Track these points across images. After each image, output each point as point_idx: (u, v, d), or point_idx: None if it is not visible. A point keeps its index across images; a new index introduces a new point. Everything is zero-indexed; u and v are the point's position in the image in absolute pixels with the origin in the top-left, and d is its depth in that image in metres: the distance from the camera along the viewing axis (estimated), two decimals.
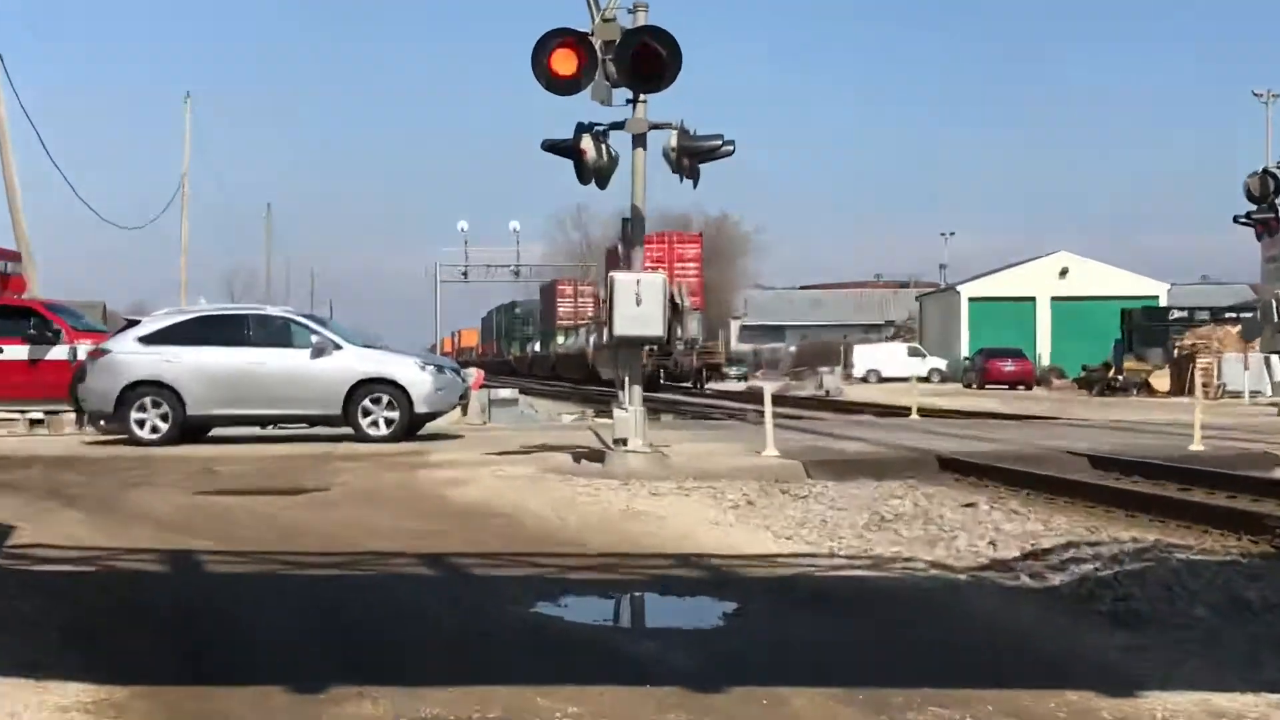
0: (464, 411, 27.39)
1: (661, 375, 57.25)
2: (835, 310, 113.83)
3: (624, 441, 15.82)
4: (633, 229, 16.23)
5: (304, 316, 21.62)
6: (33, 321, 21.34)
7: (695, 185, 16.41)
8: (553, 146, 16.06)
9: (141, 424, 20.12)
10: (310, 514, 12.23)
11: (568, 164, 15.97)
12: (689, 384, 58.51)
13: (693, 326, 16.51)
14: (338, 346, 20.34)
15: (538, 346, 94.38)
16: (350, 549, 10.21)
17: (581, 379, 66.78)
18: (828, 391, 55.31)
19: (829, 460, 16.71)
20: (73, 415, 27.83)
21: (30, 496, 13.23)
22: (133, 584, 8.84)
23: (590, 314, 77.01)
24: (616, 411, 16.09)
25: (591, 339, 70.00)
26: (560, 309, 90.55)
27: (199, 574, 9.37)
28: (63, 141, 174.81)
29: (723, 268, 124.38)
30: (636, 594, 8.77)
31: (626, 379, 16.21)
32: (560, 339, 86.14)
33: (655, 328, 15.80)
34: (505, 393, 31.20)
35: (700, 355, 58.25)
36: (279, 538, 10.85)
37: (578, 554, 10.03)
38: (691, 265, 60.58)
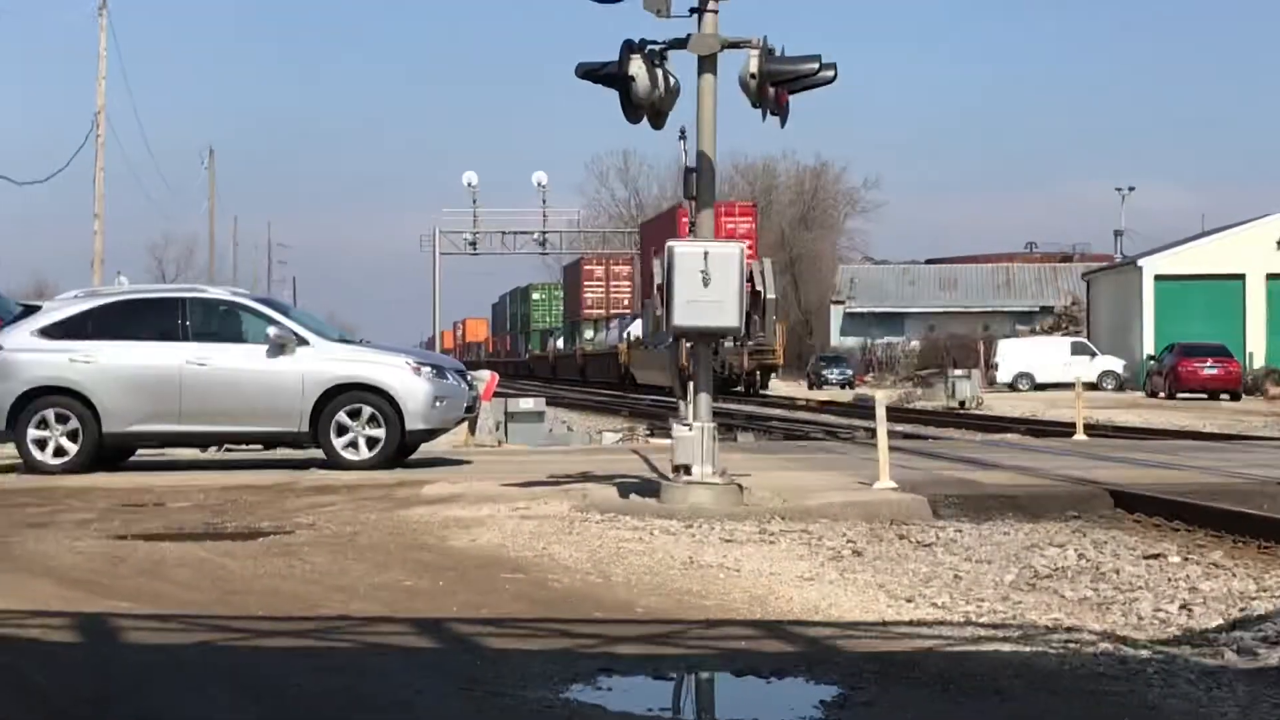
0: (472, 429, 27.51)
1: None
2: (972, 292, 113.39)
3: (687, 469, 15.78)
4: (699, 183, 16.18)
5: (258, 301, 21.72)
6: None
7: (784, 123, 16.32)
8: (591, 72, 16.04)
9: (42, 445, 20.27)
10: (266, 565, 12.25)
11: (611, 96, 15.93)
12: (739, 389, 60.95)
13: (771, 318, 16.44)
14: (303, 341, 20.41)
15: (561, 343, 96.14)
16: (318, 612, 10.20)
17: (615, 384, 69.55)
18: (962, 402, 55.13)
19: (964, 495, 16.61)
20: None
21: None
22: (29, 658, 8.87)
23: (631, 300, 79.52)
24: (676, 429, 16.05)
25: (627, 333, 71.71)
26: (587, 295, 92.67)
27: (116, 646, 9.39)
28: None
29: (819, 235, 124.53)
30: (703, 675, 8.72)
31: (690, 385, 16.15)
32: (588, 334, 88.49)
33: (728, 316, 15.73)
34: (528, 403, 31.25)
35: (753, 354, 60.31)
36: (222, 597, 10.86)
37: (624, 620, 9.97)
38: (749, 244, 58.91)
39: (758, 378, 64.08)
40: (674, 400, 17.03)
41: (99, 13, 62.96)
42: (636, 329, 70.63)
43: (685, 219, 65.16)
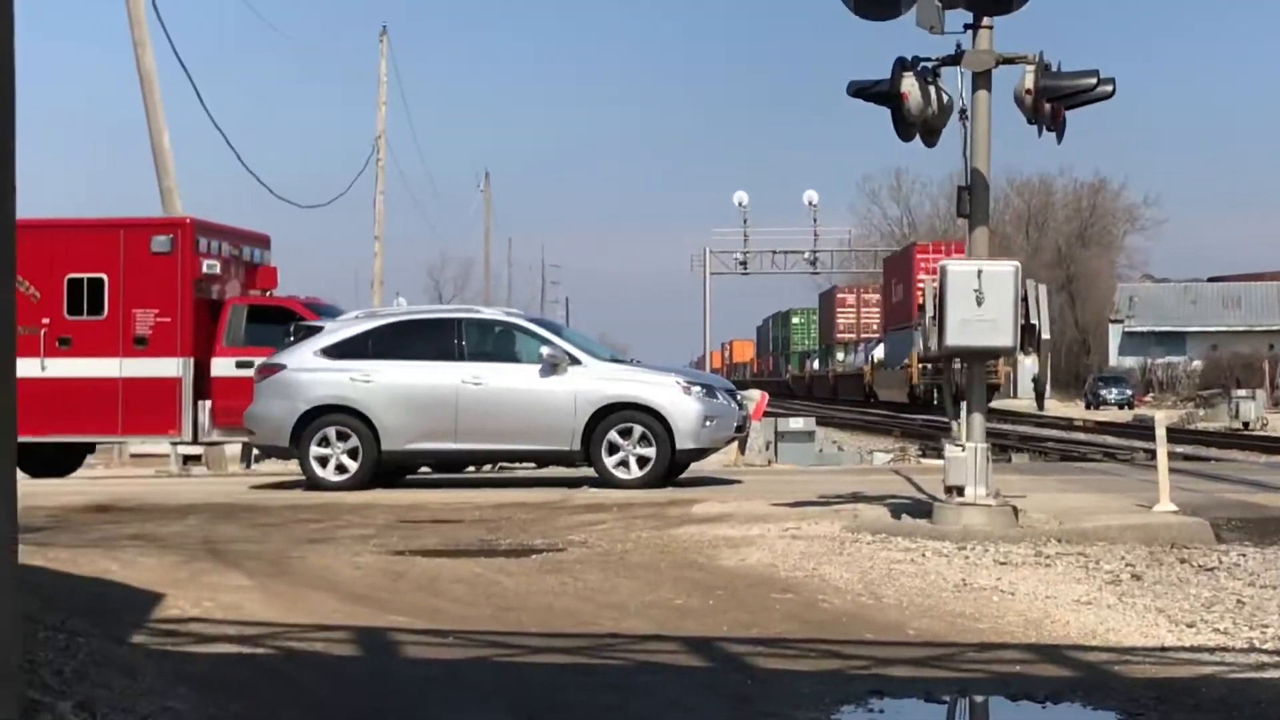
0: (742, 449, 27.55)
1: (936, 396, 59.08)
2: (1258, 311, 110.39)
3: (959, 490, 15.63)
4: (972, 200, 16.03)
5: (531, 321, 22.02)
6: (292, 326, 22.40)
7: (1060, 138, 16.10)
8: (863, 90, 15.98)
9: (324, 462, 20.77)
10: (539, 582, 12.42)
11: (883, 114, 15.86)
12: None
13: (1045, 328, 16.20)
14: (575, 361, 20.64)
15: (816, 364, 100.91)
16: (589, 629, 10.32)
17: (861, 401, 74.34)
18: (1246, 423, 53.80)
19: (1248, 519, 16.20)
20: (237, 450, 29.02)
21: (184, 555, 13.78)
22: (313, 672, 9.12)
23: (880, 326, 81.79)
24: (949, 450, 15.91)
25: (871, 355, 77.99)
26: (840, 321, 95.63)
27: (394, 661, 9.62)
28: (224, 100, 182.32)
29: (1096, 253, 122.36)
30: (976, 699, 8.65)
31: (963, 406, 16.01)
32: (840, 356, 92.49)
33: (1003, 335, 15.55)
34: (797, 423, 31.22)
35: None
36: (496, 614, 11.04)
37: (896, 642, 9.93)
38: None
39: (944, 394, 61.88)
40: (946, 421, 16.88)
41: (379, 39, 64.46)
42: (879, 352, 78.04)
43: (921, 257, 71.50)
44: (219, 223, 27.21)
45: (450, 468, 22.67)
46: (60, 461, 26.50)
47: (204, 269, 25.65)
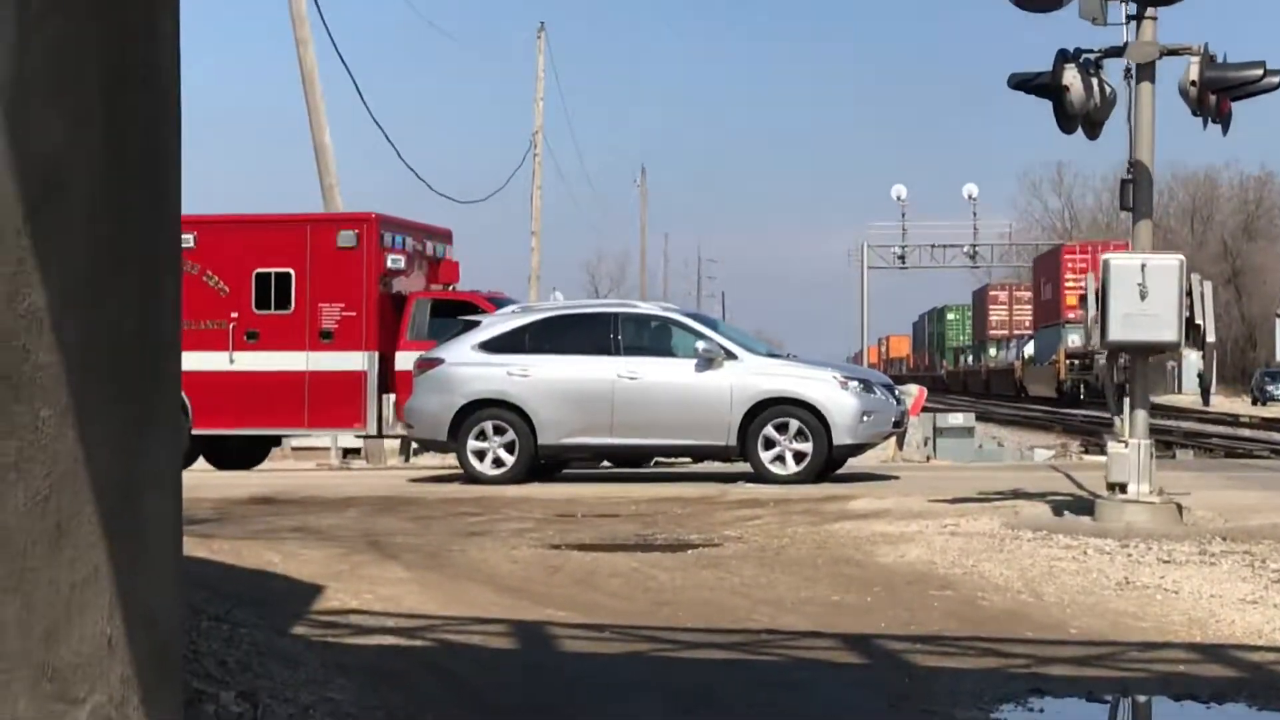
0: (900, 444, 27.41)
1: (1082, 390, 66.59)
2: None
3: (1122, 487, 15.45)
4: (1135, 193, 15.83)
5: (687, 316, 22.04)
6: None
7: (1225, 131, 15.87)
8: (1024, 83, 15.85)
9: (481, 456, 20.93)
10: (694, 577, 12.44)
11: (1044, 107, 15.72)
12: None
13: (1210, 330, 15.93)
14: (731, 356, 20.64)
15: (970, 360, 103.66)
16: (745, 625, 10.33)
17: (1011, 396, 77.15)
18: None
19: None
20: (395, 444, 29.35)
21: (344, 547, 13.95)
22: (469, 664, 9.20)
23: (1032, 322, 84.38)
24: (1111, 446, 15.73)
25: (1023, 351, 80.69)
26: (992, 318, 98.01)
27: (550, 654, 9.68)
28: (383, 97, 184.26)
29: (1263, 246, 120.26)
30: (1138, 698, 8.55)
31: (1127, 402, 15.82)
32: (992, 352, 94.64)
33: (1167, 330, 15.36)
34: (957, 419, 31.02)
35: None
36: (652, 608, 11.08)
37: (1056, 640, 9.85)
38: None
39: (1105, 390, 64.83)
40: (1108, 416, 16.69)
41: (537, 35, 64.78)
42: (1030, 348, 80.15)
43: (1068, 257, 74.55)
44: (403, 218, 27.50)
45: (612, 462, 22.76)
46: (247, 454, 26.94)
47: (388, 264, 25.93)
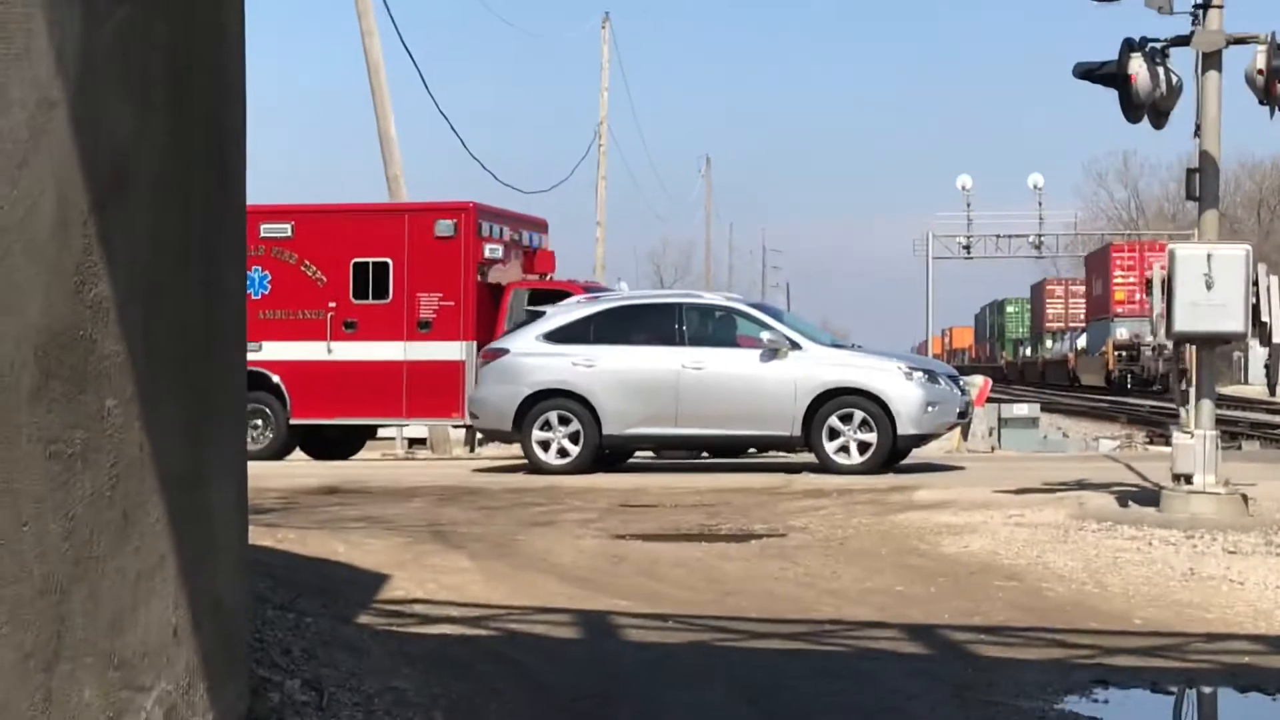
0: (964, 434, 27.31)
1: (1129, 380, 71.66)
2: None
3: (1187, 478, 15.34)
4: (1202, 183, 15.71)
5: (752, 307, 22.03)
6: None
7: None
8: (1089, 72, 15.75)
9: (545, 446, 20.98)
10: (759, 567, 12.43)
11: (1110, 96, 15.62)
12: (1157, 388, 68.32)
13: (1277, 328, 15.76)
14: (796, 346, 20.61)
15: (1028, 351, 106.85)
16: (810, 615, 10.31)
17: (1065, 385, 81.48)
18: None
19: None
20: (460, 434, 29.42)
21: (409, 537, 13.99)
22: (534, 653, 9.22)
23: (1084, 315, 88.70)
24: (1176, 436, 15.62)
25: (1076, 343, 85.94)
26: (1049, 311, 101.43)
27: (614, 644, 9.68)
28: (448, 87, 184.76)
29: None
30: (1203, 690, 8.48)
31: (1191, 393, 15.71)
32: (1048, 344, 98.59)
33: (1233, 320, 15.24)
34: (1022, 409, 30.87)
35: (1166, 360, 69.74)
36: (717, 598, 11.07)
37: (1121, 631, 9.79)
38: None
39: (1169, 381, 70.19)
40: (1174, 407, 16.57)
41: (601, 25, 64.83)
42: (1082, 340, 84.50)
43: (1116, 255, 77.43)
44: (500, 207, 27.52)
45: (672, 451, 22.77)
46: (344, 444, 27.02)
47: (486, 253, 25.88)
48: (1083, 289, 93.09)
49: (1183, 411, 15.77)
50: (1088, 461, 23.95)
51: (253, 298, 25.46)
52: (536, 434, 20.97)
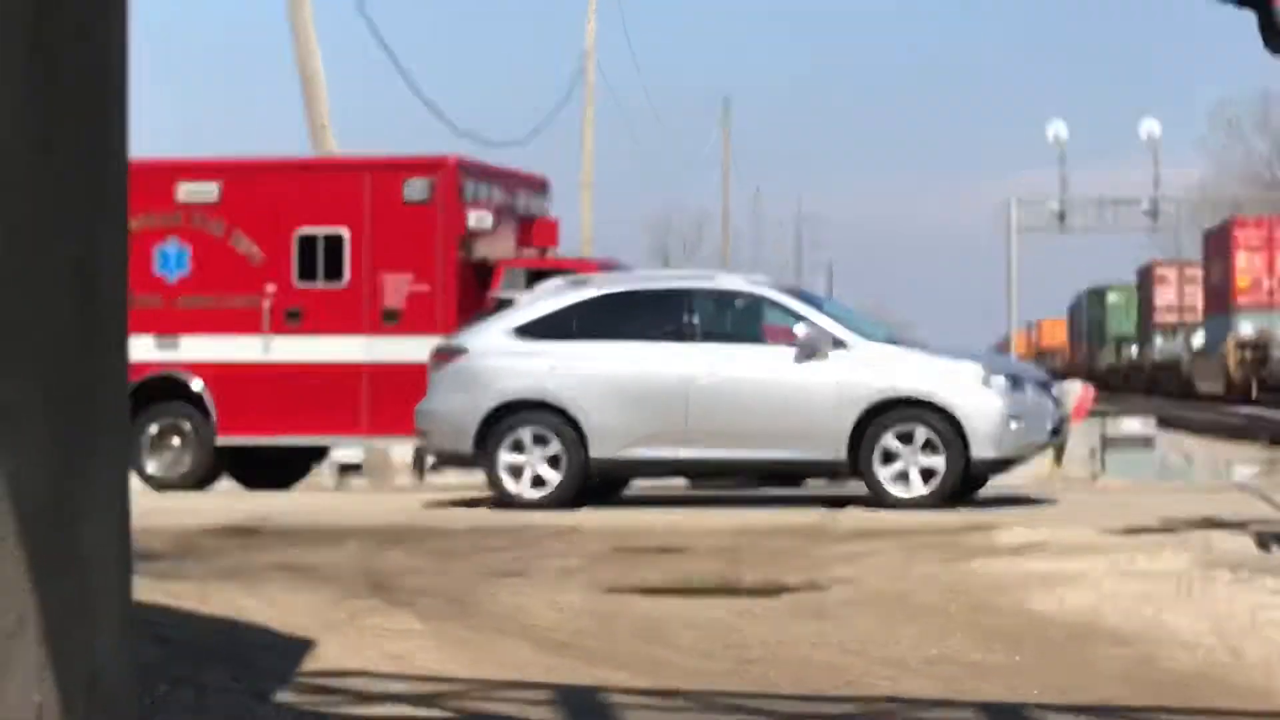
0: (1058, 458, 27.29)
1: (1254, 387, 71.54)
2: None
3: None
4: None
5: (784, 293, 21.99)
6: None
7: None
8: None
9: (516, 473, 20.92)
10: (792, 629, 12.43)
11: (1245, 24, 15.63)
12: None
13: None
14: (839, 343, 20.59)
15: (1135, 351, 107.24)
16: (859, 691, 10.31)
17: (1176, 394, 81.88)
18: None
19: None
20: (406, 457, 29.41)
21: (341, 590, 13.99)
22: None
23: (1206, 306, 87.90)
24: None
25: (1191, 341, 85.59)
26: (1158, 302, 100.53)
27: None
28: (392, 16, 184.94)
29: None
30: None
31: None
32: (1159, 342, 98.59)
33: None
34: (1133, 425, 30.95)
35: None
36: (738, 668, 11.07)
37: (1262, 713, 9.79)
38: None
39: None
40: None
41: None
42: (1199, 339, 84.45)
43: (1239, 233, 76.22)
44: (489, 163, 27.40)
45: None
46: (284, 468, 26.68)
47: (471, 222, 25.45)
48: (1202, 274, 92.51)
49: None
50: (1218, 493, 23.97)
51: (167, 280, 25.41)
52: (505, 458, 20.91)
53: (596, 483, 21.42)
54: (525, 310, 21.46)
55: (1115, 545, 16.39)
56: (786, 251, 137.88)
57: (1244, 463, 38.03)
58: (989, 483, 21.64)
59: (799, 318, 20.85)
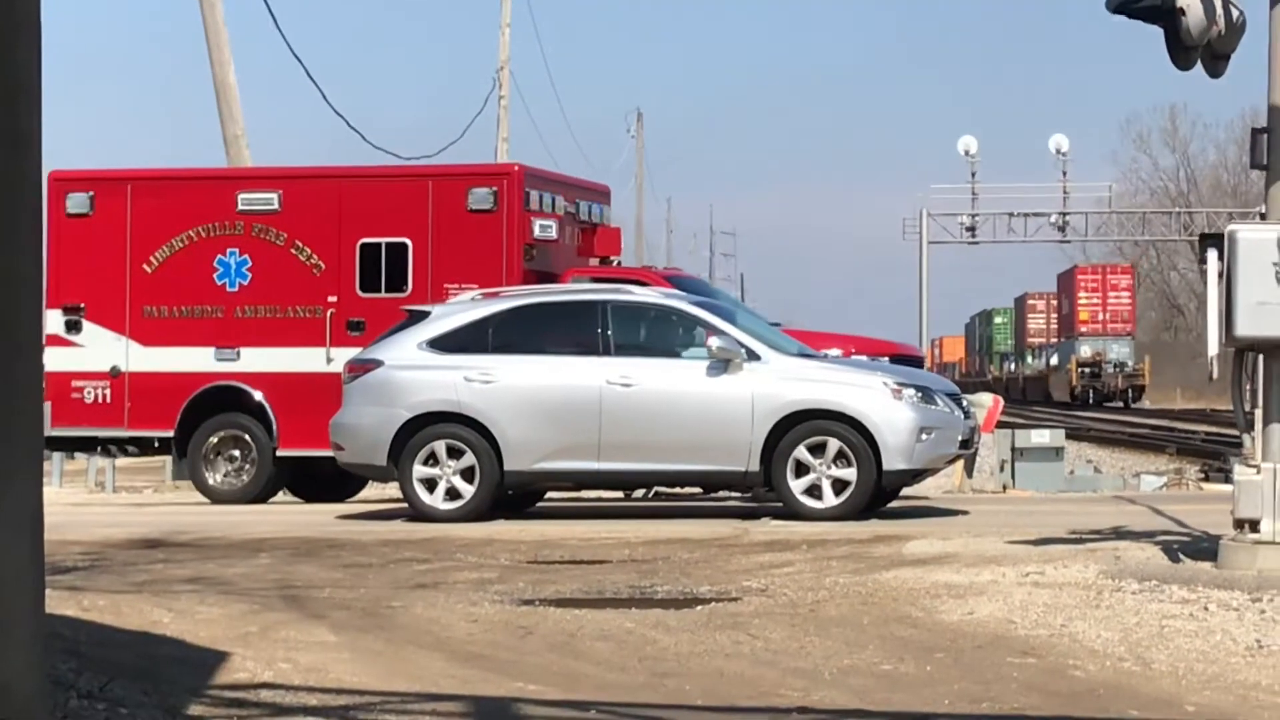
0: (968, 470, 27.39)
1: (1091, 395, 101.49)
2: None
3: (1253, 524, 15.42)
4: (1271, 148, 15.82)
5: (697, 305, 21.98)
6: None
7: None
8: (1127, 4, 15.84)
9: (430, 486, 20.88)
10: (706, 641, 12.42)
11: (1154, 39, 15.71)
12: (1118, 404, 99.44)
13: None
14: (754, 356, 20.61)
15: (1013, 366, 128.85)
16: (770, 702, 10.31)
17: (1040, 401, 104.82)
18: None
19: None
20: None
21: (254, 603, 13.94)
22: None
23: (1055, 332, 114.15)
24: (1239, 472, 15.70)
25: (1050, 359, 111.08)
26: (1030, 325, 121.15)
27: None
28: (307, 30, 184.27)
29: None
30: None
31: (1258, 416, 15.81)
32: (1029, 359, 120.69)
33: None
34: (1042, 436, 30.99)
35: (1126, 378, 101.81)
36: (652, 680, 11.05)
37: None
38: (1125, 295, 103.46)
39: (1129, 394, 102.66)
40: (1237, 434, 16.67)
41: None
42: (1055, 358, 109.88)
43: (1081, 277, 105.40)
44: (553, 172, 27.13)
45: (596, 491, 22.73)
46: (342, 482, 26.21)
47: (536, 231, 25.16)
48: (1057, 306, 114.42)
49: (1246, 439, 15.85)
50: (1127, 504, 24.09)
51: (228, 290, 25.24)
52: (419, 470, 20.86)
53: (511, 495, 21.41)
54: (440, 322, 21.41)
55: (1025, 556, 16.45)
56: (699, 263, 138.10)
57: (1151, 473, 38.24)
58: (900, 494, 21.70)
59: (713, 330, 20.84)
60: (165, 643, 11.89)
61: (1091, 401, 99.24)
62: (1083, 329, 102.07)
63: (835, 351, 24.03)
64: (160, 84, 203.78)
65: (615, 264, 27.07)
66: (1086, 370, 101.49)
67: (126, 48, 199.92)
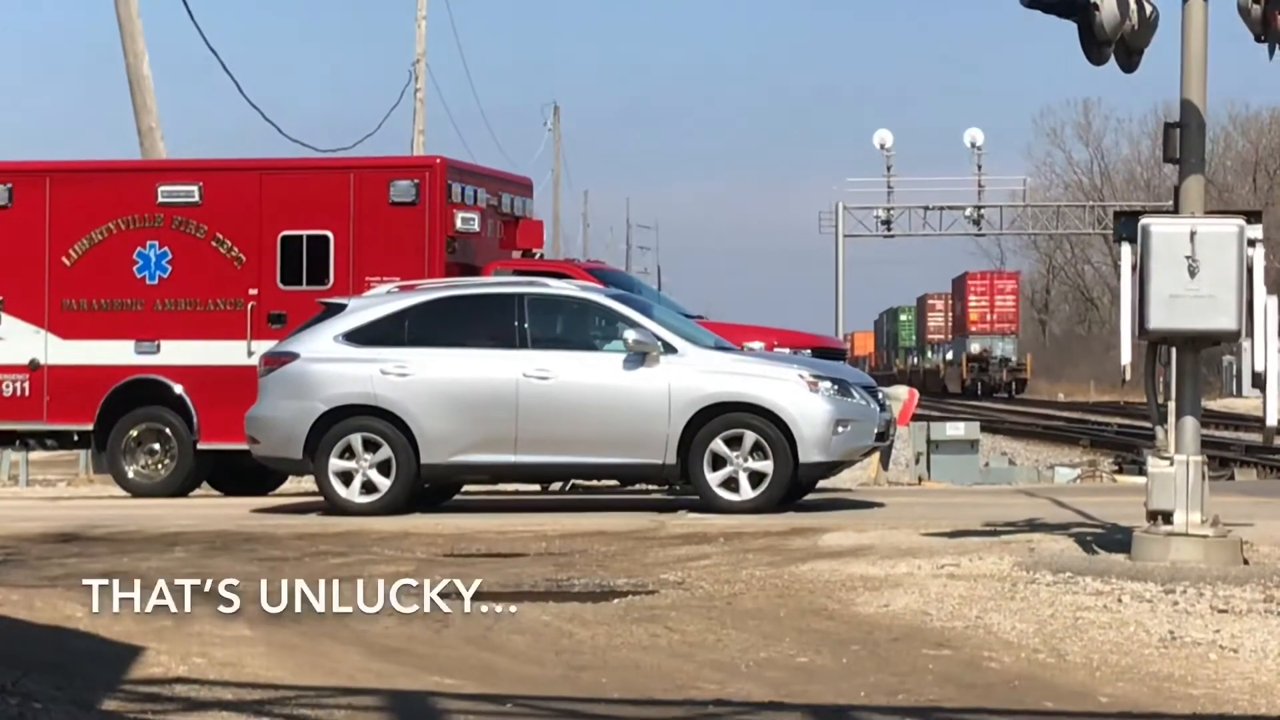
0: (884, 462, 27.48)
1: (979, 387, 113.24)
2: None
3: (1166, 516, 15.52)
4: (1183, 141, 15.92)
5: (613, 298, 21.95)
6: None
7: None
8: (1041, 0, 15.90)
9: (346, 479, 20.80)
10: (622, 633, 12.42)
11: (1067, 33, 15.78)
12: (1003, 395, 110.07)
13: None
14: (670, 349, 20.60)
15: (914, 360, 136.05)
16: (688, 694, 10.31)
17: (938, 394, 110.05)
18: None
19: None
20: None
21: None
22: None
23: (947, 330, 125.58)
24: (1152, 464, 15.78)
25: (945, 355, 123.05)
26: (930, 323, 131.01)
27: None
28: (221, 21, 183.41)
29: None
30: None
31: (1170, 408, 15.90)
32: (929, 354, 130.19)
33: (1223, 315, 15.39)
34: (957, 429, 31.08)
35: (1010, 372, 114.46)
36: (568, 674, 11.05)
37: (1083, 713, 9.87)
38: (1010, 298, 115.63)
39: (1013, 386, 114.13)
40: (1150, 426, 16.75)
41: None
42: (950, 353, 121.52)
43: (972, 282, 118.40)
44: (475, 164, 26.98)
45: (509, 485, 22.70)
46: (263, 474, 26.03)
47: (458, 224, 25.04)
48: (951, 307, 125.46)
49: (1159, 432, 15.95)
50: (1041, 496, 24.19)
51: (147, 282, 25.08)
52: (335, 463, 20.78)
53: (428, 488, 21.36)
54: (355, 315, 21.33)
55: (940, 548, 16.50)
56: (616, 255, 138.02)
57: (1065, 465, 38.44)
58: (817, 486, 21.74)
59: (631, 323, 20.81)
60: (79, 637, 11.83)
61: (979, 393, 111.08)
62: (973, 328, 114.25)
63: (758, 344, 24.10)
64: (74, 75, 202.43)
65: (537, 257, 27.08)
66: (976, 365, 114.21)
67: (39, 39, 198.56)
